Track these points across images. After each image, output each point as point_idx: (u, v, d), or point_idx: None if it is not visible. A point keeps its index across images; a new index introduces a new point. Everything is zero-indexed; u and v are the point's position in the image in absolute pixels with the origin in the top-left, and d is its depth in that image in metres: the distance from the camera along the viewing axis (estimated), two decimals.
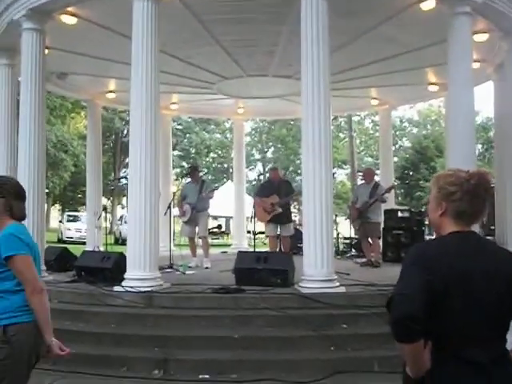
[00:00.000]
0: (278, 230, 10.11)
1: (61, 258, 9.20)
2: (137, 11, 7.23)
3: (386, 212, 11.58)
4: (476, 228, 2.24)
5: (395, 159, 35.57)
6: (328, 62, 7.07)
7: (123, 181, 21.25)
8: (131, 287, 6.95)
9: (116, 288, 7.08)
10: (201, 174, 15.22)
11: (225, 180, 37.90)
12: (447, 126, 8.40)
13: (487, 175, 2.21)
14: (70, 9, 8.18)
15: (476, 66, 9.68)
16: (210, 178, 41.22)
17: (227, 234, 27.20)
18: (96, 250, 11.11)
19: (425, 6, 7.93)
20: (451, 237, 2.17)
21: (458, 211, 2.18)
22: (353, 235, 13.60)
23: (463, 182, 2.17)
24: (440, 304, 2.01)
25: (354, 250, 13.16)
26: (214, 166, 45.91)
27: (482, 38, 9.01)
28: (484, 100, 40.48)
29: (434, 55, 9.35)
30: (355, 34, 9.12)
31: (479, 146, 37.10)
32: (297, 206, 20.21)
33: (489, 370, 2.02)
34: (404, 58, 10.10)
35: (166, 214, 9.89)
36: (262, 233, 13.28)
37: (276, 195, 9.85)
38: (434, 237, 2.31)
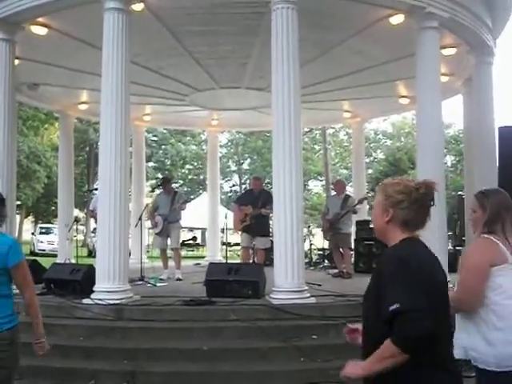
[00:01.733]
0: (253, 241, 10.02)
1: (30, 271, 9.02)
2: (107, 22, 7.22)
3: (358, 223, 11.68)
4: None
5: (370, 171, 35.98)
6: (298, 75, 7.13)
7: (96, 192, 21.09)
8: (100, 300, 6.87)
9: (85, 300, 7.01)
10: (175, 185, 15.17)
11: (200, 192, 37.78)
12: (417, 138, 8.52)
13: (434, 185, 2.28)
14: (40, 19, 8.14)
15: (445, 79, 9.87)
16: (185, 189, 41.05)
17: (202, 245, 27.06)
18: (67, 262, 10.97)
19: (394, 21, 8.08)
20: (413, 245, 2.23)
21: (405, 219, 2.25)
22: (326, 246, 13.65)
23: (412, 190, 2.23)
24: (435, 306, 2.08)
25: (326, 261, 13.21)
26: (189, 177, 45.76)
27: (450, 52, 9.20)
28: (457, 113, 41.23)
29: (403, 69, 9.48)
30: (326, 47, 9.24)
31: (452, 158, 37.65)
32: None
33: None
34: (374, 72, 10.24)
35: (136, 225, 9.83)
36: (238, 244, 13.27)
37: (250, 206, 9.74)
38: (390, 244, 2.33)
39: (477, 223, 3.10)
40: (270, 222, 10.24)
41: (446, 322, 2.17)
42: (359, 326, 2.39)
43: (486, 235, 2.99)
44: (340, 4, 7.53)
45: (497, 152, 9.13)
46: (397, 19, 8.03)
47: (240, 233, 10.19)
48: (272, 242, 11.01)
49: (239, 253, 12.75)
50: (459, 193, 18.12)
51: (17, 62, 8.61)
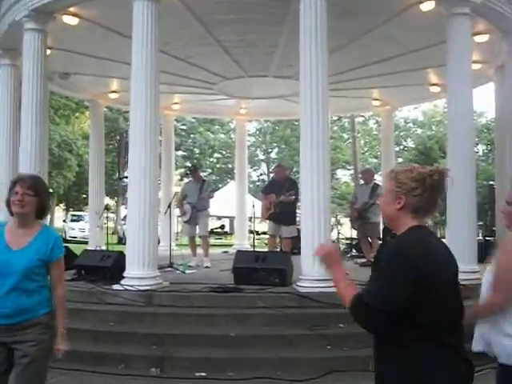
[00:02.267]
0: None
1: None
2: (137, 11, 7.29)
3: None
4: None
5: (399, 160, 35.57)
6: (327, 63, 7.10)
7: (126, 180, 21.34)
8: (130, 286, 7.00)
9: (115, 286, 7.14)
10: (203, 174, 15.24)
11: (228, 180, 37.93)
12: (448, 127, 8.41)
13: (447, 172, 2.29)
14: (71, 9, 8.25)
15: (477, 66, 9.70)
16: (213, 178, 41.26)
17: (230, 234, 27.23)
18: (97, 249, 11.17)
19: (424, 7, 7.95)
20: (421, 233, 2.26)
21: (417, 206, 2.27)
22: (354, 236, 13.61)
23: (426, 177, 2.25)
24: (429, 296, 2.12)
25: (354, 251, 13.17)
26: (218, 166, 45.94)
27: (482, 39, 9.03)
28: (488, 101, 40.49)
29: (434, 56, 9.35)
30: (355, 34, 9.14)
31: (483, 147, 37.02)
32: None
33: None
34: (404, 59, 10.11)
35: (166, 213, 9.93)
36: (266, 233, 13.32)
37: (274, 194, 9.79)
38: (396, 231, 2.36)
39: (511, 217, 3.01)
40: (297, 211, 10.26)
41: (445, 311, 2.17)
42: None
43: None
44: None
45: None
46: (427, 5, 7.90)
47: (267, 221, 10.26)
48: (298, 230, 11.06)
49: (266, 241, 12.81)
50: (490, 182, 17.87)
51: (48, 51, 8.74)
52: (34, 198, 3.13)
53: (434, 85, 12.20)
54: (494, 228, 11.98)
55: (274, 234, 10.12)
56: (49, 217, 25.12)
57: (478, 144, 33.14)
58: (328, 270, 2.39)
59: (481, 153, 35.86)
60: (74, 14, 8.38)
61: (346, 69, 10.53)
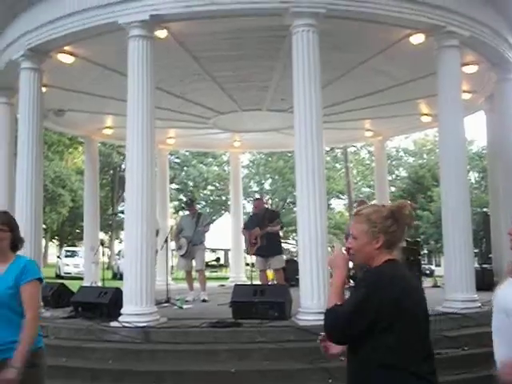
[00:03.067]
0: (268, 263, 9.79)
1: (58, 294, 9.16)
2: (132, 49, 7.38)
3: None
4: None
5: (392, 189, 35.73)
6: (320, 96, 7.20)
7: (121, 215, 21.30)
8: (128, 322, 6.94)
9: (113, 323, 7.08)
10: (198, 206, 15.11)
11: (223, 212, 37.91)
12: (440, 157, 8.51)
13: (410, 204, 2.45)
14: (67, 48, 8.36)
15: (467, 96, 9.87)
16: (208, 210, 41.19)
17: (226, 266, 27.10)
18: (93, 285, 11.09)
19: (414, 40, 8.11)
20: (397, 266, 2.40)
21: (393, 241, 2.41)
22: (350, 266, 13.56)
23: (395, 212, 2.39)
24: (401, 324, 2.22)
25: (352, 282, 13.10)
26: (211, 198, 45.95)
27: (471, 69, 9.21)
28: (479, 129, 40.89)
29: (425, 87, 9.51)
30: (347, 67, 9.30)
31: (475, 175, 37.24)
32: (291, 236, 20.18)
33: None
34: (396, 90, 10.28)
35: (162, 248, 9.91)
36: None
37: (258, 228, 9.61)
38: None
39: None
40: (281, 241, 10.22)
41: (417, 341, 2.27)
42: None
43: None
44: (360, 25, 7.59)
45: None
46: (417, 39, 8.06)
47: (255, 257, 10.09)
48: (288, 260, 10.98)
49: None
50: (484, 210, 17.94)
51: (44, 89, 8.82)
52: (8, 233, 3.23)
53: (425, 115, 12.37)
54: (490, 255, 11.99)
55: (263, 268, 9.98)
56: (42, 253, 24.95)
57: (470, 171, 33.34)
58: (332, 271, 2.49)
59: (473, 180, 36.05)
60: (70, 53, 8.49)
61: (339, 101, 10.67)
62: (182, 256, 10.29)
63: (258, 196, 16.40)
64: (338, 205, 45.36)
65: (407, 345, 2.22)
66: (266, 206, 10.82)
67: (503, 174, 9.98)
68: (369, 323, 2.21)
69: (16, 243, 3.29)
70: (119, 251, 28.77)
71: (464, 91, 8.71)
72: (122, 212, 17.94)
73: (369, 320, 2.20)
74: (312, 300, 6.82)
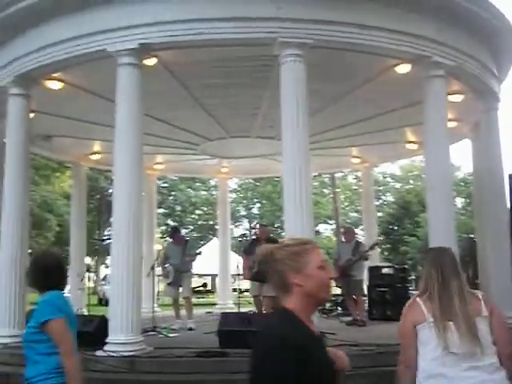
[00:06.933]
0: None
1: None
2: (120, 77, 7.40)
3: (370, 269, 11.62)
4: None
5: (380, 214, 35.82)
6: (307, 124, 7.26)
7: (107, 241, 21.16)
8: (113, 351, 6.84)
9: (98, 352, 6.97)
10: (185, 231, 14.95)
11: (210, 237, 37.75)
12: (426, 183, 8.57)
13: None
14: (55, 74, 8.37)
15: (453, 124, 9.98)
16: (195, 235, 41.05)
17: (212, 291, 26.92)
18: (79, 312, 10.94)
19: (400, 70, 8.22)
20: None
21: None
22: (338, 292, 13.53)
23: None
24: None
25: (340, 309, 13.07)
26: (199, 223, 45.80)
27: (457, 98, 9.31)
28: (465, 155, 41.37)
29: (411, 115, 9.61)
30: (334, 96, 9.40)
31: (461, 200, 37.53)
32: None
33: None
34: (382, 119, 10.39)
35: (148, 275, 9.82)
36: (248, 291, 13.18)
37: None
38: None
39: None
40: None
41: None
42: None
43: None
44: (346, 55, 7.70)
45: (507, 197, 9.19)
46: (403, 68, 8.18)
47: (250, 282, 10.12)
48: None
49: (251, 300, 12.69)
50: (470, 235, 18.00)
51: (31, 115, 8.80)
52: None
53: (411, 142, 12.49)
54: (477, 281, 12.01)
55: (257, 294, 9.97)
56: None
57: (456, 197, 33.58)
58: None
59: (459, 206, 36.31)
60: (58, 79, 8.50)
61: (326, 129, 10.77)
62: (168, 284, 10.21)
63: (262, 223, 16.49)
64: (326, 230, 45.46)
65: None
66: (269, 235, 10.92)
67: (489, 201, 10.04)
68: None
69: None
70: (105, 276, 28.49)
71: (449, 120, 8.80)
72: (109, 237, 17.81)
73: None
74: None
